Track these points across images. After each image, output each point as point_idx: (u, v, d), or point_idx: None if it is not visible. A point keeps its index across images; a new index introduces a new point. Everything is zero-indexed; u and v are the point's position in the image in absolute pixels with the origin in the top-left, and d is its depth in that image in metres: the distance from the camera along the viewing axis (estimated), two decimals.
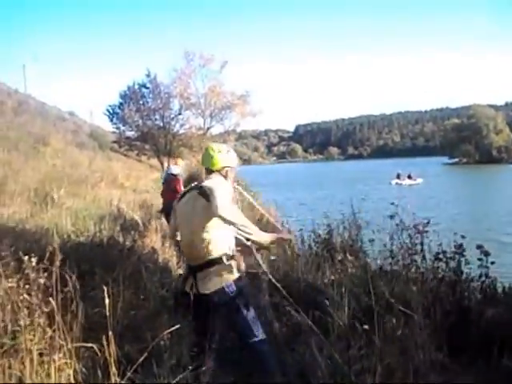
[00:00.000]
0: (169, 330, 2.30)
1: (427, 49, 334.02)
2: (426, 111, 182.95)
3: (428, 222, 3.76)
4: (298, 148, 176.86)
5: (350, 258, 4.57)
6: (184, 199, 2.72)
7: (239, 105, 30.26)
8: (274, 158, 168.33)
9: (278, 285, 2.92)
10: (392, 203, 4.27)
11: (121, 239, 5.35)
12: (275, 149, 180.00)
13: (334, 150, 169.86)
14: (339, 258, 4.59)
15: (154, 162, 28.52)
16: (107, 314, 2.07)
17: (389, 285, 3.55)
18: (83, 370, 2.21)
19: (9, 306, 2.38)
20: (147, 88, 28.09)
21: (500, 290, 3.53)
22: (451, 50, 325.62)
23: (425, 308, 2.88)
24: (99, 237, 5.45)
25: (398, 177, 39.87)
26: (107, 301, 2.08)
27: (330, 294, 3.59)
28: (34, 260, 2.62)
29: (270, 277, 2.89)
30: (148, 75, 27.88)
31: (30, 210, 6.69)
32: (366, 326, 2.77)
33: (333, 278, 4.17)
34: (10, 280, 2.56)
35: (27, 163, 10.21)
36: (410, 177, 39.75)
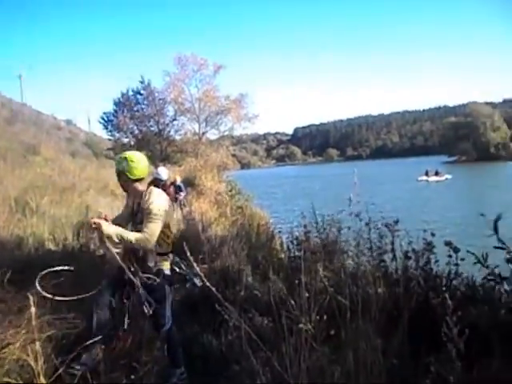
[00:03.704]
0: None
1: (424, 46, 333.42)
2: (423, 110, 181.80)
3: (397, 221, 3.65)
4: (297, 151, 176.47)
5: (324, 259, 4.47)
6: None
7: (234, 109, 30.13)
8: (274, 162, 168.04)
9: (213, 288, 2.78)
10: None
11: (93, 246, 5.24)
12: (274, 152, 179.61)
13: (333, 152, 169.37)
14: (313, 259, 4.49)
15: (150, 168, 28.47)
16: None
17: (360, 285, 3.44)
18: None
19: None
20: (141, 94, 28.10)
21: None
22: (450, 47, 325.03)
23: (383, 307, 2.77)
24: (72, 245, 5.37)
25: (427, 174, 40.22)
26: (34, 309, 2.00)
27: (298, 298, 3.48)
28: None
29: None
30: (142, 82, 27.89)
31: (10, 218, 6.57)
32: (300, 325, 2.65)
33: (304, 280, 4.06)
34: None
35: (13, 172, 10.10)
36: (437, 173, 40.29)
